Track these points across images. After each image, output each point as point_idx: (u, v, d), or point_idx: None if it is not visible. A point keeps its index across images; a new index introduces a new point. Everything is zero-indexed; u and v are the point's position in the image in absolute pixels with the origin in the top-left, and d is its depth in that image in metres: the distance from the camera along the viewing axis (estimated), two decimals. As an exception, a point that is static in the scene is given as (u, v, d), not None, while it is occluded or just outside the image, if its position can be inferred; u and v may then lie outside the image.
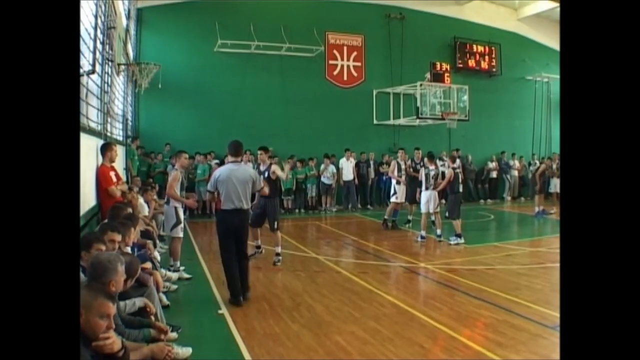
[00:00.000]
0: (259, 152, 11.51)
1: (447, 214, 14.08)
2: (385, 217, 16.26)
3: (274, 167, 11.40)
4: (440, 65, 24.77)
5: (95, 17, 8.83)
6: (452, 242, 13.54)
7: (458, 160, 15.35)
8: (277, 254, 11.28)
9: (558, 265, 11.06)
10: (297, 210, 21.34)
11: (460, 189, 14.30)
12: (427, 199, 14.05)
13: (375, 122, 24.46)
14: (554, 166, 21.67)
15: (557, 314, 7.40)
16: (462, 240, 13.54)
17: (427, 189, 14.08)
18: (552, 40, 28.33)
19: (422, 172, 14.49)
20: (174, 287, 8.89)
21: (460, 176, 14.22)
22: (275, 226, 11.34)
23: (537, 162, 22.82)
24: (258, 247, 12.00)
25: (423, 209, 14.19)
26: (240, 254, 8.46)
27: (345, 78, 24.27)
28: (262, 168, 11.46)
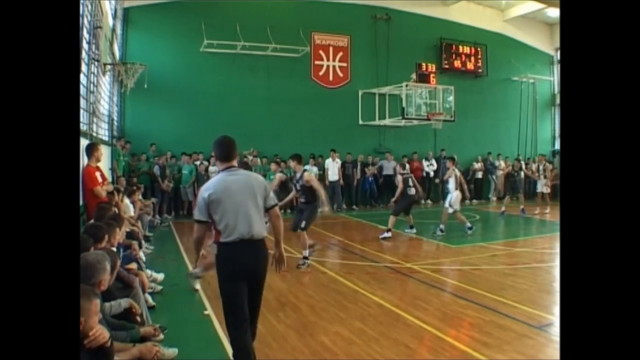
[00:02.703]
0: (291, 161, 11.43)
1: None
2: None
3: (307, 175, 11.38)
4: (426, 66, 24.93)
5: (82, 16, 8.80)
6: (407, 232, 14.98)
7: (408, 166, 16.05)
8: (305, 257, 11.22)
9: (543, 265, 11.14)
10: (282, 211, 21.14)
11: (412, 192, 15.09)
12: (455, 198, 15.13)
13: (360, 122, 24.47)
14: (523, 167, 21.84)
15: (543, 314, 7.48)
16: (389, 235, 14.58)
17: (456, 189, 15.20)
18: (538, 41, 28.53)
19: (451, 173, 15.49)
20: (159, 287, 8.86)
21: (411, 180, 14.80)
22: (303, 226, 11.37)
23: (523, 163, 22.88)
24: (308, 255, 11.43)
25: (446, 205, 15.31)
26: (253, 314, 5.46)
27: (331, 78, 24.26)
28: (297, 176, 11.51)
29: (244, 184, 5.32)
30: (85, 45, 9.18)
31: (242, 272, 5.24)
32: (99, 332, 3.70)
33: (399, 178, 15.25)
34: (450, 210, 15.20)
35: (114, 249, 6.59)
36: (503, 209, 20.30)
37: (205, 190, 5.30)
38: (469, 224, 15.10)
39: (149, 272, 8.91)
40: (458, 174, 15.76)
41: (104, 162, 11.39)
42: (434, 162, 24.21)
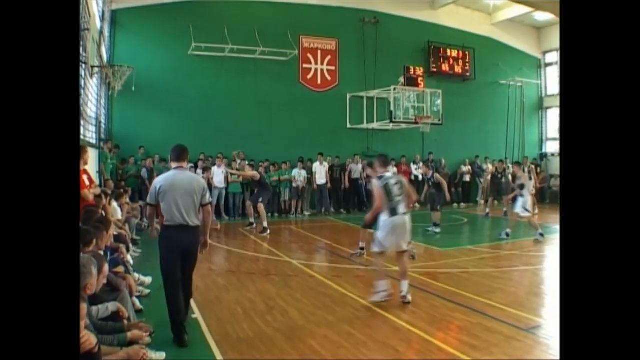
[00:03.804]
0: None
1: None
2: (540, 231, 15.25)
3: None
4: (414, 70, 24.88)
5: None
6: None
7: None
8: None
9: (531, 268, 11.17)
10: (270, 214, 20.98)
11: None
12: (530, 201, 15.18)
13: (348, 126, 24.45)
14: (507, 169, 22.02)
15: (531, 317, 7.51)
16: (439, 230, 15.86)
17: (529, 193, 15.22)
18: (525, 44, 28.68)
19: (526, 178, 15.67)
20: (147, 291, 8.82)
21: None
22: None
23: (510, 167, 22.94)
24: (362, 248, 12.56)
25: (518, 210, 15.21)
26: (185, 282, 6.97)
27: (319, 82, 24.26)
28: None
29: (187, 182, 6.80)
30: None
31: (178, 249, 6.75)
32: (86, 339, 3.69)
33: (437, 176, 16.63)
34: (526, 214, 15.00)
35: (102, 253, 6.56)
36: (487, 210, 21.06)
37: (157, 182, 6.87)
38: (540, 230, 14.63)
39: (136, 275, 8.88)
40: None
41: (92, 165, 11.34)
42: (421, 165, 24.21)
